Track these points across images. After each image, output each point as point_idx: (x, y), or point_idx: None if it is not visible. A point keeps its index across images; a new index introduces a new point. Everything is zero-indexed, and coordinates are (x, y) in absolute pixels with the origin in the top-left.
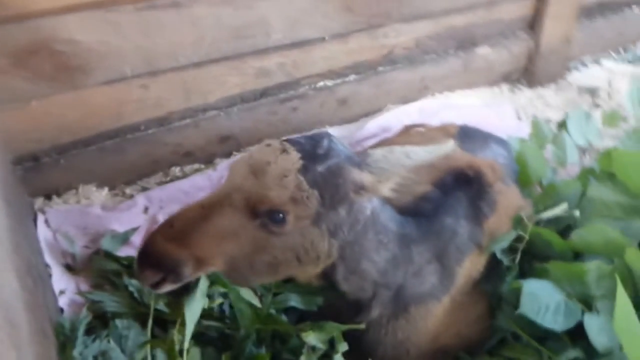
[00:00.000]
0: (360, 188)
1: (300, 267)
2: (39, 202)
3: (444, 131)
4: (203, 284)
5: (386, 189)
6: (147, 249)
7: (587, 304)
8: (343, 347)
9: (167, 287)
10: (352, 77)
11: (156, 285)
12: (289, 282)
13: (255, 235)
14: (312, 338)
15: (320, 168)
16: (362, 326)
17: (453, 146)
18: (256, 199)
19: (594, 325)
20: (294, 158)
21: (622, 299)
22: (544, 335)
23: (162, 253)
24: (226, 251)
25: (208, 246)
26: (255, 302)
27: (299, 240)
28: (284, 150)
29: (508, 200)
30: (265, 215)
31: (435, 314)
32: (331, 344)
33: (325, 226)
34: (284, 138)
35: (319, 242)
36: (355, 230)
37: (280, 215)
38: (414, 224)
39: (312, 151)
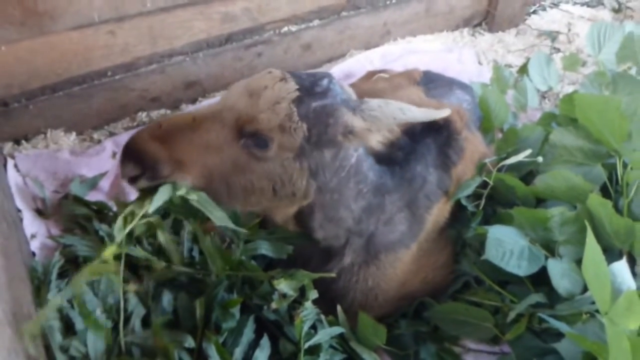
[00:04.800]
0: (350, 132)
1: (274, 200)
2: (8, 147)
3: (408, 77)
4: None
5: (374, 140)
6: (132, 143)
7: (550, 249)
8: (313, 294)
9: (143, 183)
10: (316, 22)
11: (133, 179)
12: (261, 229)
13: (237, 154)
14: (283, 285)
15: (315, 104)
16: (333, 274)
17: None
18: (245, 118)
19: (556, 270)
20: (291, 88)
21: (592, 243)
22: (506, 280)
23: (144, 149)
24: (206, 163)
25: (190, 153)
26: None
27: (279, 171)
28: (283, 79)
29: (474, 146)
30: (250, 136)
31: (404, 261)
32: (301, 291)
33: (307, 164)
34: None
35: (298, 178)
36: (338, 177)
37: (265, 140)
38: (389, 173)
39: (310, 87)
